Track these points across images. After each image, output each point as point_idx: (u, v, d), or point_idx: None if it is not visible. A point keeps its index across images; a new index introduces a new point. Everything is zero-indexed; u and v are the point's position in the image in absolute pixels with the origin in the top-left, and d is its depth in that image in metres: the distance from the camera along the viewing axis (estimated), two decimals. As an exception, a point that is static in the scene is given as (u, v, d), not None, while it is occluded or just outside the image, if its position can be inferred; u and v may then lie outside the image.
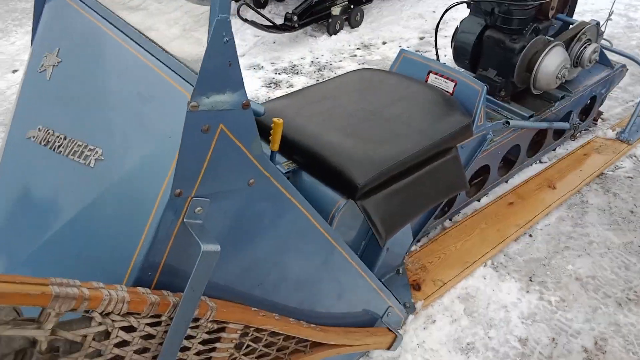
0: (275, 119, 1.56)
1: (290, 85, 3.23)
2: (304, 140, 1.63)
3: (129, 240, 0.94)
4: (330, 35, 3.85)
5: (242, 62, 3.53)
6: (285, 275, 1.21)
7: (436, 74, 2.02)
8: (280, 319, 1.19)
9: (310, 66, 3.49)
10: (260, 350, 1.20)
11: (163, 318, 0.95)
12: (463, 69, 2.43)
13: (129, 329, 0.91)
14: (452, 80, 1.97)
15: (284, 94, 3.08)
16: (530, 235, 2.15)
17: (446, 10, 2.24)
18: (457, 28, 2.34)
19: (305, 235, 1.18)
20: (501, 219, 2.18)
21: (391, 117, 1.75)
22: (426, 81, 2.03)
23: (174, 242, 0.96)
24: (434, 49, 2.42)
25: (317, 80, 3.30)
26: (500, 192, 2.34)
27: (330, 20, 3.80)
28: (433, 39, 3.78)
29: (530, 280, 1.95)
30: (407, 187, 1.63)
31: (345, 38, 3.85)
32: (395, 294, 1.81)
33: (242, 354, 1.16)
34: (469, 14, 2.33)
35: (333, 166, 1.54)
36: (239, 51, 3.67)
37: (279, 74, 3.38)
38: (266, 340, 1.19)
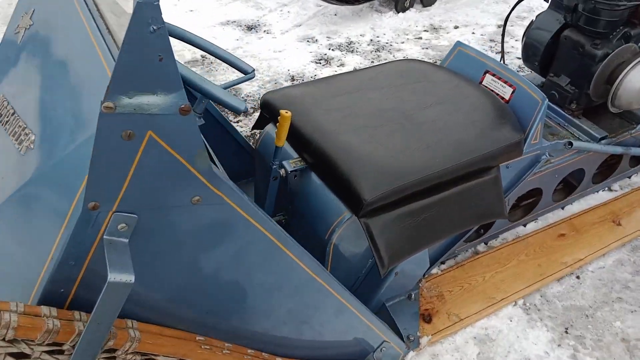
0: (283, 112, 1.36)
1: (342, 65, 2.98)
2: (316, 137, 1.42)
3: (40, 251, 0.79)
4: (398, 12, 3.52)
5: (297, 32, 3.32)
6: (245, 303, 1.03)
7: (493, 75, 1.71)
8: (230, 353, 1.01)
9: (368, 45, 3.21)
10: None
11: (65, 347, 0.80)
12: (531, 71, 2.09)
13: (20, 356, 0.76)
14: (510, 86, 1.67)
15: (332, 73, 2.85)
16: (578, 277, 1.84)
17: (519, 2, 1.90)
18: (531, 22, 1.99)
19: (271, 263, 0.99)
20: (546, 252, 1.87)
21: (425, 122, 1.49)
22: (480, 82, 1.74)
23: (93, 258, 0.80)
24: (501, 45, 2.09)
25: (372, 62, 3.03)
26: (552, 220, 2.01)
27: (400, -4, 3.48)
28: (512, 27, 3.38)
29: (566, 332, 1.66)
30: (426, 208, 1.38)
31: (414, 17, 3.52)
32: (400, 322, 1.60)
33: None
34: (548, 7, 1.97)
35: (341, 173, 1.32)
36: (297, 20, 3.45)
37: (332, 49, 3.14)
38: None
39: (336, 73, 2.70)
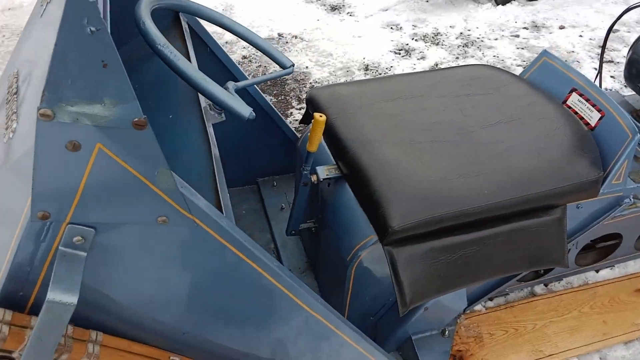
0: (317, 115, 1.23)
1: (422, 58, 2.76)
2: (353, 146, 1.27)
3: (2, 249, 0.74)
4: (497, 4, 3.20)
5: (382, 17, 3.12)
6: (226, 330, 0.93)
7: (581, 95, 1.45)
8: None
9: (456, 38, 2.94)
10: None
11: (15, 355, 0.74)
12: (634, 93, 1.77)
13: (-38, 361, 0.72)
14: (599, 110, 1.40)
15: (411, 66, 2.65)
16: (651, 344, 1.56)
17: (628, 10, 1.59)
18: (639, 38, 1.68)
19: (250, 291, 0.87)
20: (616, 308, 1.60)
21: (485, 142, 1.29)
22: (564, 102, 1.49)
23: (52, 266, 0.73)
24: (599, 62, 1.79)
25: (457, 58, 2.77)
26: (632, 270, 1.72)
27: (503, -13, 3.15)
28: (629, 34, 2.92)
29: (624, 408, 1.41)
30: (466, 245, 1.20)
31: (514, 11, 3.17)
32: (425, 359, 1.44)
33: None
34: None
35: (372, 191, 1.17)
36: (384, 3, 3.25)
37: (416, 40, 2.91)
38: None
39: (411, 71, 2.50)
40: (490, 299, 1.62)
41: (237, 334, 0.93)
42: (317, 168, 1.36)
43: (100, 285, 0.78)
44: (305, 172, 1.33)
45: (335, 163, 1.34)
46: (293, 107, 2.43)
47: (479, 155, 1.25)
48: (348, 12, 3.19)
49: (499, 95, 1.46)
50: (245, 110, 0.87)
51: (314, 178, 1.34)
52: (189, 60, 1.24)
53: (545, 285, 1.67)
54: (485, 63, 2.72)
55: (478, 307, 1.58)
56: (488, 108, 1.41)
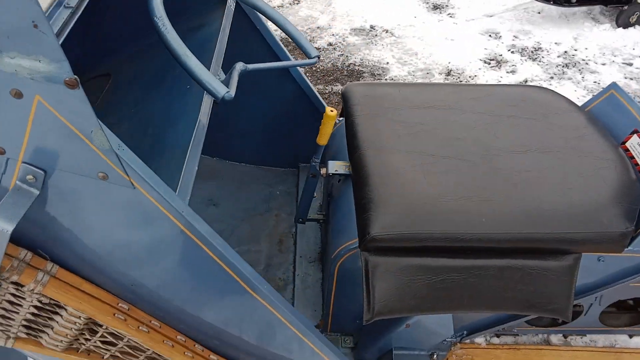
0: (328, 109, 1.23)
1: (512, 72, 2.58)
2: (363, 146, 1.25)
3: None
4: (618, 26, 2.89)
5: (483, 23, 2.96)
6: (165, 291, 0.98)
7: (642, 138, 1.30)
8: (148, 332, 0.99)
9: (558, 56, 2.71)
10: (125, 346, 1.04)
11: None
12: None
13: None
14: (656, 159, 1.24)
15: (497, 78, 2.50)
16: None
17: None
18: None
19: (186, 258, 0.91)
20: (640, 381, 1.42)
21: (506, 168, 1.20)
22: (623, 143, 1.33)
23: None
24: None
25: (551, 78, 2.56)
26: (674, 344, 1.51)
27: (627, 7, 2.82)
28: None
29: None
30: (452, 270, 1.14)
31: (635, 37, 2.84)
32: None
33: (101, 341, 1.03)
34: None
35: (365, 193, 1.16)
36: (491, 9, 3.08)
37: (512, 52, 2.73)
38: (123, 345, 1.02)
39: (493, 82, 2.37)
40: (497, 335, 1.52)
41: (176, 294, 0.98)
42: (329, 162, 1.37)
43: (56, 224, 0.87)
44: (313, 163, 1.34)
45: (348, 161, 1.33)
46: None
47: (492, 181, 1.17)
48: (449, 13, 3.07)
49: (546, 122, 1.34)
50: (220, 90, 0.89)
51: (323, 171, 1.35)
52: (214, 39, 1.28)
53: (565, 336, 1.53)
54: (580, 87, 2.48)
55: (480, 339, 1.50)
56: (525, 133, 1.30)
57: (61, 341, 1.01)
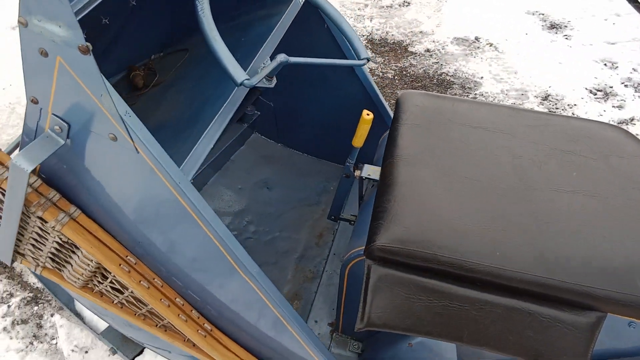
0: (365, 112, 1.23)
1: (620, 107, 2.33)
2: (396, 155, 1.24)
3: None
4: None
5: (600, 50, 2.70)
6: (168, 256, 1.05)
7: None
8: (148, 288, 1.07)
9: (680, 98, 2.40)
10: (130, 296, 1.14)
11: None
12: None
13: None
14: None
15: (598, 112, 2.29)
16: None
17: None
18: None
19: (182, 229, 0.97)
20: None
21: (540, 206, 1.12)
22: None
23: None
24: None
25: (665, 120, 2.27)
26: None
27: None
28: None
29: None
30: (454, 298, 1.09)
31: None
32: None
33: (110, 286, 1.13)
34: None
35: (382, 202, 1.14)
36: (615, 36, 2.80)
37: (626, 85, 2.47)
38: (128, 295, 1.11)
39: (594, 118, 2.18)
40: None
41: (174, 258, 1.05)
42: (365, 166, 1.36)
43: (78, 173, 0.97)
44: (348, 164, 1.34)
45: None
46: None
47: (520, 215, 1.10)
48: (565, 35, 2.84)
49: (605, 163, 1.22)
50: (238, 76, 0.93)
51: (356, 173, 1.35)
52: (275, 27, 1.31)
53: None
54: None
55: (494, 380, 1.40)
56: (578, 173, 1.20)
57: (78, 278, 1.12)
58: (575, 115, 1.36)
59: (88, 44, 0.73)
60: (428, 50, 2.78)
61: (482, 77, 2.54)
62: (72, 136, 0.90)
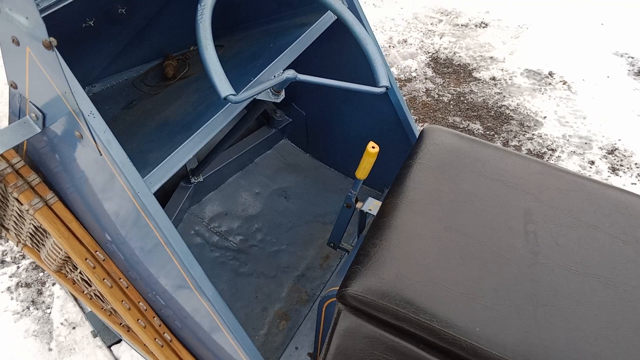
0: (370, 145, 1.14)
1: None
2: (396, 195, 1.14)
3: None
4: None
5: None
6: (130, 249, 1.01)
7: None
8: (111, 288, 1.05)
9: None
10: (97, 291, 1.12)
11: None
12: None
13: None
14: None
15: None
16: None
17: None
18: None
19: (134, 228, 0.93)
20: None
21: (543, 284, 0.98)
22: None
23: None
24: None
25: None
26: None
27: None
28: None
29: None
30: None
31: None
32: None
33: (80, 277, 1.12)
34: None
35: (368, 245, 1.05)
36: None
37: None
38: (95, 289, 1.09)
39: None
40: None
41: (136, 264, 1.02)
42: (369, 199, 1.27)
43: (54, 162, 0.96)
44: (350, 194, 1.26)
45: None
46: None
47: (515, 290, 0.97)
48: (653, 84, 2.56)
49: (634, 248, 1.06)
50: (223, 89, 0.87)
51: (358, 205, 1.26)
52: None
53: None
54: None
55: None
56: (598, 253, 1.04)
57: (52, 262, 1.13)
58: (623, 187, 1.20)
59: (52, 39, 0.71)
60: (493, 79, 2.60)
61: (545, 117, 2.34)
62: (47, 126, 0.88)
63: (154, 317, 1.11)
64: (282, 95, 1.12)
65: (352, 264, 1.03)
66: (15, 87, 0.86)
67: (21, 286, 1.70)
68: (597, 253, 1.04)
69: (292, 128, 1.93)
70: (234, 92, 0.89)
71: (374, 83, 1.13)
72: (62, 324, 1.59)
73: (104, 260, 1.06)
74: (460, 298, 0.95)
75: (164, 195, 1.64)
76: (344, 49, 1.53)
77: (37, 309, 1.64)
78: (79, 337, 1.55)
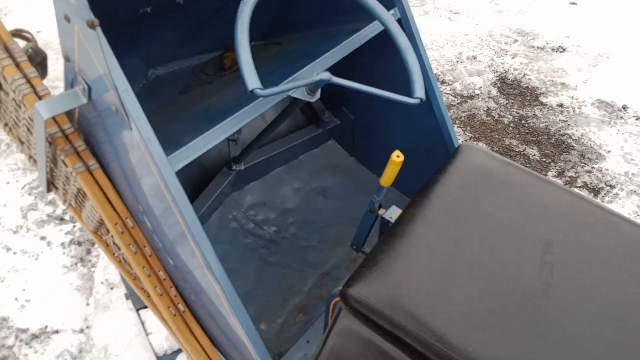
0: (395, 154, 1.15)
1: None
2: (417, 206, 1.15)
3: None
4: None
5: None
6: (155, 221, 1.09)
7: None
8: (135, 253, 1.14)
9: None
10: (124, 255, 1.21)
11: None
12: None
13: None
14: None
15: None
16: None
17: None
18: None
19: (162, 205, 1.00)
20: None
21: (548, 317, 0.96)
22: None
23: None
24: None
25: None
26: None
27: None
28: None
29: None
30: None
31: None
32: None
33: (112, 240, 1.22)
34: None
35: (376, 251, 1.07)
36: None
37: None
38: (123, 253, 1.19)
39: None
40: None
41: (159, 235, 1.10)
42: (393, 207, 1.29)
43: (97, 132, 1.06)
44: (373, 200, 1.28)
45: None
46: (548, 175, 2.10)
47: (520, 320, 0.95)
48: None
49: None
50: (251, 83, 0.92)
51: (381, 211, 1.28)
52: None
53: None
54: None
55: None
56: (615, 295, 1.00)
57: (90, 223, 1.24)
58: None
59: (95, 19, 0.79)
60: (561, 105, 2.50)
61: (609, 151, 2.22)
62: (92, 98, 0.98)
63: (171, 287, 1.19)
64: (317, 95, 1.16)
65: (359, 266, 1.06)
66: (68, 60, 0.96)
67: (73, 243, 1.86)
68: (614, 295, 1.00)
69: (341, 131, 1.97)
70: (260, 86, 0.94)
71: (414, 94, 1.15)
72: (102, 283, 1.72)
73: (132, 227, 1.15)
74: (458, 315, 0.95)
75: (207, 178, 1.73)
76: (392, 60, 1.54)
77: (84, 266, 1.79)
78: (114, 297, 1.68)
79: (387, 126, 1.78)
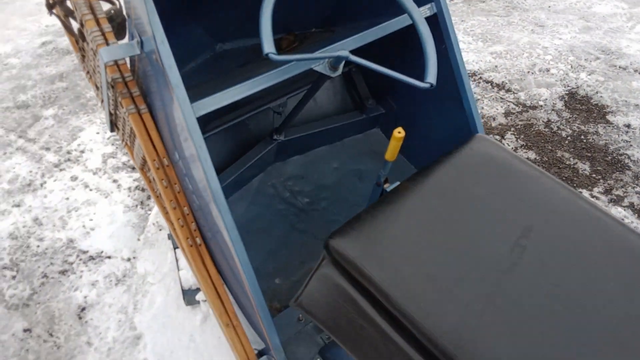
0: (397, 130, 1.25)
1: None
2: (415, 181, 1.24)
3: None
4: None
5: None
6: (183, 161, 1.27)
7: None
8: (166, 188, 1.34)
9: None
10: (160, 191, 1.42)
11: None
12: None
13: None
14: None
15: None
16: None
17: None
18: None
19: (188, 152, 1.18)
20: None
21: (510, 288, 1.02)
22: None
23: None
24: None
25: None
26: None
27: None
28: None
29: None
30: (377, 330, 1.08)
31: None
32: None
33: (152, 177, 1.43)
34: None
35: (368, 212, 1.18)
36: None
37: None
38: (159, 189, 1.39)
39: None
40: None
41: (188, 184, 1.29)
42: (397, 182, 1.38)
43: (146, 80, 1.27)
44: (380, 174, 1.38)
45: None
46: (585, 192, 2.06)
47: (476, 288, 1.02)
48: None
49: (628, 293, 1.02)
50: (266, 47, 1.07)
51: (385, 185, 1.38)
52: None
53: None
54: None
55: None
56: (579, 284, 1.03)
57: (138, 159, 1.46)
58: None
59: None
60: (628, 126, 2.40)
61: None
62: (144, 50, 1.19)
63: (192, 223, 1.38)
64: (339, 71, 1.29)
65: (345, 222, 1.17)
66: (129, 17, 1.18)
67: (138, 189, 2.14)
68: (581, 284, 1.03)
69: (385, 119, 2.07)
70: (274, 52, 1.09)
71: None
72: (153, 224, 1.98)
73: (167, 165, 1.35)
74: (422, 276, 1.04)
75: (249, 146, 1.91)
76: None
77: (142, 209, 2.06)
78: (160, 237, 1.92)
79: (427, 119, 1.86)
